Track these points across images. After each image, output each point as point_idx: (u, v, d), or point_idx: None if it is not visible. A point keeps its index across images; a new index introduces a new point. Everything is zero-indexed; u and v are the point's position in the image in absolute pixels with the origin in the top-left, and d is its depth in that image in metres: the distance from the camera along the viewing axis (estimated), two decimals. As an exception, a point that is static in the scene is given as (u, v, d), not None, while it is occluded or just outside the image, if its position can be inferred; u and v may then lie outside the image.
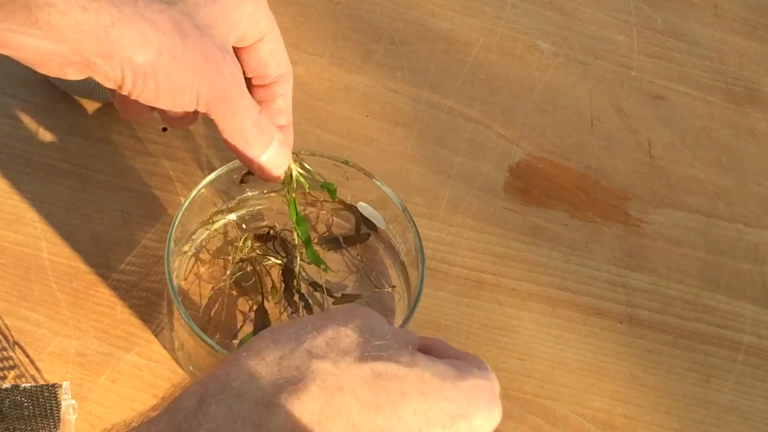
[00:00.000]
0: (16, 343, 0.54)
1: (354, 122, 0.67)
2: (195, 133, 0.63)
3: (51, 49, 0.42)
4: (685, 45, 0.75)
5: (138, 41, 0.43)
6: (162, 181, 0.61)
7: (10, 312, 0.55)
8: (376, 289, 0.57)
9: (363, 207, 0.58)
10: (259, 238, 0.57)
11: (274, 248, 0.57)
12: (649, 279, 0.63)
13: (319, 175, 0.55)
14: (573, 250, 0.64)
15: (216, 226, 0.57)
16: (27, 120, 0.62)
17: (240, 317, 0.55)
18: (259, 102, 0.51)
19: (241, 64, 0.49)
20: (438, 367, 0.41)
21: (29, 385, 0.51)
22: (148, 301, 0.57)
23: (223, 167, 0.55)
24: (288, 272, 0.56)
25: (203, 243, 0.57)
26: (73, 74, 0.44)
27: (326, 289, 0.56)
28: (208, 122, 0.64)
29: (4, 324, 0.55)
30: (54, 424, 0.48)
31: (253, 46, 0.49)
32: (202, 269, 0.57)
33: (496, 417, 0.42)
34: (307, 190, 0.55)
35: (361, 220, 0.58)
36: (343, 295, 0.56)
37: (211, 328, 0.55)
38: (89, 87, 0.61)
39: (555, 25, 0.75)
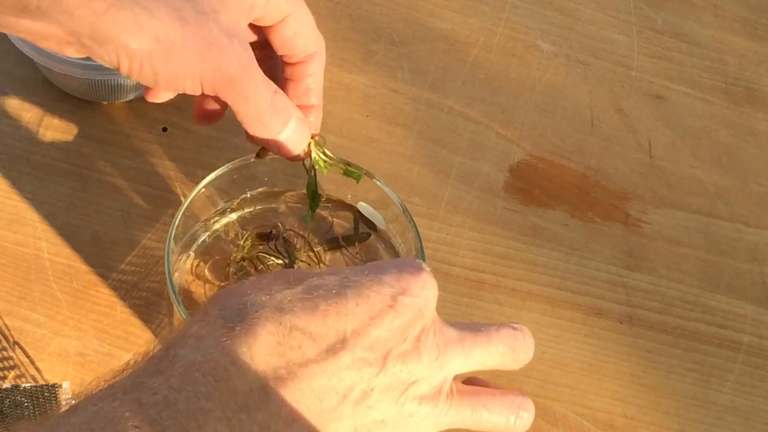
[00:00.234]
0: (16, 343, 0.54)
1: (354, 122, 0.67)
2: (195, 133, 0.63)
3: (45, 31, 0.42)
4: (685, 45, 0.75)
5: (133, 28, 0.42)
6: (162, 181, 0.61)
7: (10, 312, 0.55)
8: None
9: (363, 207, 0.58)
10: (261, 236, 0.57)
11: (276, 248, 0.57)
12: (649, 279, 0.63)
13: (344, 162, 0.54)
14: (573, 250, 0.64)
15: (216, 226, 0.57)
16: (27, 120, 0.62)
17: (240, 317, 0.55)
18: (287, 80, 0.50)
19: (270, 42, 0.49)
20: (357, 267, 0.44)
21: (29, 385, 0.51)
22: (148, 301, 0.57)
23: (223, 167, 0.55)
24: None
25: (203, 243, 0.57)
26: (72, 53, 0.44)
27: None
28: (208, 122, 0.64)
29: (4, 324, 0.55)
30: (54, 424, 0.48)
31: (276, 27, 0.48)
32: (202, 269, 0.57)
33: (429, 282, 0.44)
34: (325, 174, 0.54)
35: (360, 220, 0.58)
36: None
37: (211, 328, 0.54)
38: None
39: (555, 25, 0.75)
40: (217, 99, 0.49)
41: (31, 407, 0.49)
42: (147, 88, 0.49)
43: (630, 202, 0.67)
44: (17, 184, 0.60)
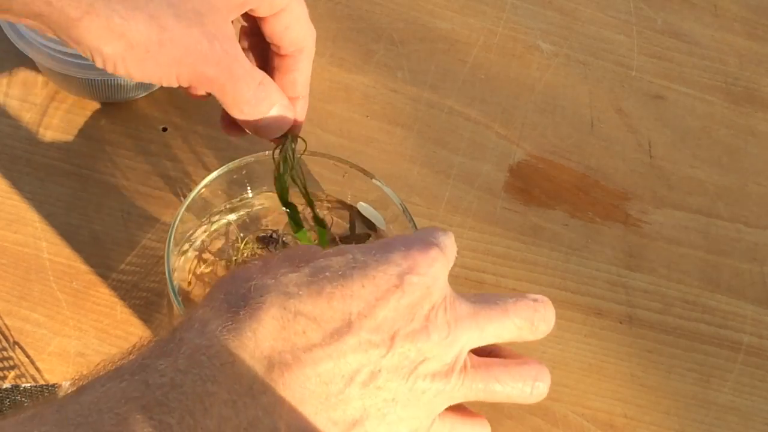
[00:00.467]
0: (16, 343, 0.54)
1: (354, 122, 0.67)
2: (195, 133, 0.63)
3: (26, 21, 0.43)
4: (685, 45, 0.75)
5: (106, 35, 0.42)
6: (162, 181, 0.61)
7: (10, 312, 0.55)
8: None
9: (363, 207, 0.58)
10: (260, 240, 0.57)
11: (276, 250, 0.57)
12: (649, 279, 0.63)
13: (303, 180, 0.54)
14: (573, 250, 0.64)
15: (216, 226, 0.57)
16: (27, 120, 0.62)
17: (240, 317, 0.55)
18: (275, 69, 0.50)
19: (261, 30, 0.49)
20: (365, 246, 0.43)
21: (29, 385, 0.51)
22: (148, 301, 0.57)
23: (223, 167, 0.55)
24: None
25: (203, 243, 0.57)
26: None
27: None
28: (208, 122, 0.64)
29: (4, 324, 0.55)
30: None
31: (269, 19, 0.48)
32: (202, 269, 0.57)
33: (438, 259, 0.43)
34: (277, 175, 0.54)
35: (356, 220, 0.58)
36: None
37: (211, 328, 0.54)
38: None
39: (555, 25, 0.75)
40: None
41: (31, 407, 0.49)
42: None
43: (630, 202, 0.67)
44: (17, 184, 0.60)
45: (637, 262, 0.64)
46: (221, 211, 0.57)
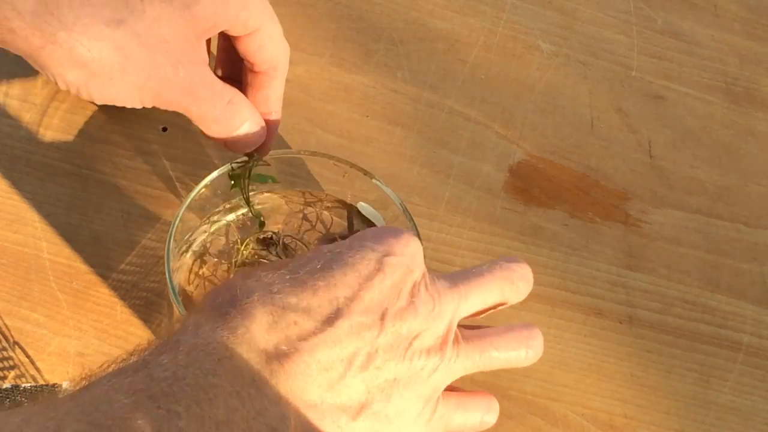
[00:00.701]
0: (16, 343, 0.54)
1: (354, 122, 0.67)
2: (195, 133, 0.63)
3: None
4: (685, 45, 0.75)
5: (68, 63, 0.43)
6: (162, 181, 0.61)
7: (10, 312, 0.55)
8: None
9: (363, 207, 0.58)
10: (261, 242, 0.57)
11: (277, 253, 0.57)
12: (649, 279, 0.63)
13: (251, 203, 0.55)
14: (573, 250, 0.64)
15: (216, 226, 0.57)
16: (27, 120, 0.62)
17: (240, 317, 0.55)
18: (248, 85, 0.50)
19: (235, 46, 0.49)
20: (337, 242, 0.46)
21: (29, 385, 0.51)
22: (148, 301, 0.57)
23: (223, 167, 0.55)
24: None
25: (203, 243, 0.57)
26: None
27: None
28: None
29: (4, 324, 0.55)
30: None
31: (242, 38, 0.48)
32: (202, 269, 0.57)
33: (411, 240, 0.46)
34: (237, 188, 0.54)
35: (353, 219, 0.58)
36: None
37: (211, 328, 0.54)
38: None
39: (555, 25, 0.75)
40: None
41: (31, 407, 0.49)
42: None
43: (630, 202, 0.67)
44: (17, 184, 0.60)
45: (637, 262, 0.64)
46: (221, 211, 0.57)
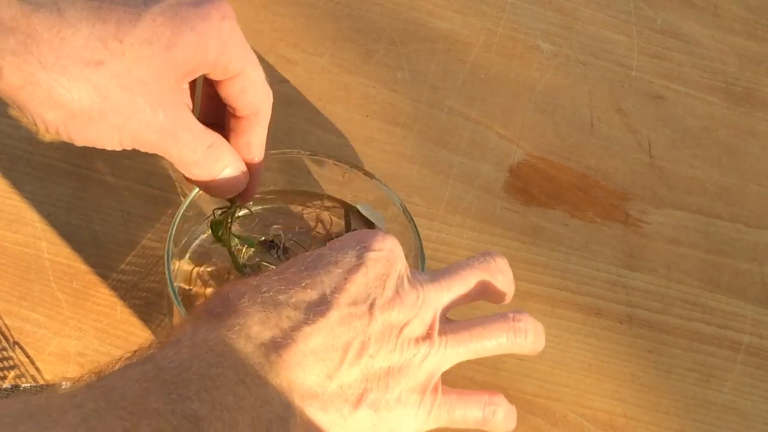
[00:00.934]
0: (16, 343, 0.54)
1: (354, 122, 0.67)
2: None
3: None
4: (685, 45, 0.75)
5: (47, 103, 0.43)
6: (162, 181, 0.61)
7: (10, 312, 0.55)
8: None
9: (363, 207, 0.58)
10: (262, 243, 0.57)
11: (278, 256, 0.57)
12: (649, 279, 0.63)
13: (233, 255, 0.54)
14: (573, 250, 0.64)
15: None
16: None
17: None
18: (230, 130, 0.50)
19: (217, 91, 0.49)
20: (317, 249, 0.48)
21: (29, 385, 0.51)
22: (148, 301, 0.57)
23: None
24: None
25: (203, 243, 0.57)
26: None
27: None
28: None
29: (4, 324, 0.55)
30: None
31: (223, 83, 0.48)
32: (202, 269, 0.57)
33: (388, 237, 0.47)
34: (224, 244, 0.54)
35: (356, 219, 0.58)
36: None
37: (211, 328, 0.54)
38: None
39: (555, 25, 0.75)
40: None
41: (31, 407, 0.49)
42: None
43: (630, 202, 0.67)
44: (17, 184, 0.60)
45: (637, 262, 0.64)
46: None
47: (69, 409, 0.37)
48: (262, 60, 0.68)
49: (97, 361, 0.54)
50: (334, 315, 0.44)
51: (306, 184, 0.59)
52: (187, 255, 0.56)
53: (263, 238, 0.57)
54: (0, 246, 0.57)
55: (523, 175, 0.66)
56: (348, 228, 0.58)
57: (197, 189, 0.54)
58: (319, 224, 0.59)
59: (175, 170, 0.61)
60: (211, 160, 0.48)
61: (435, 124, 0.68)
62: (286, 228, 0.58)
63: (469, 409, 0.49)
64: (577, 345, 0.60)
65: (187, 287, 0.56)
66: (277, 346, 0.42)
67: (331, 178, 0.57)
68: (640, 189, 0.67)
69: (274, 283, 0.45)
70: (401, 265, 0.47)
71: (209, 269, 0.57)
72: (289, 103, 0.67)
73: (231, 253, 0.54)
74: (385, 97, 0.68)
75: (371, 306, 0.45)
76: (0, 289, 0.56)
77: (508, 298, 0.52)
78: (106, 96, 0.43)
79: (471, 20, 0.74)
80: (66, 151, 0.61)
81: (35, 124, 0.44)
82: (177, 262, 0.55)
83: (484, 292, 0.50)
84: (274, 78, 0.67)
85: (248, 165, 0.51)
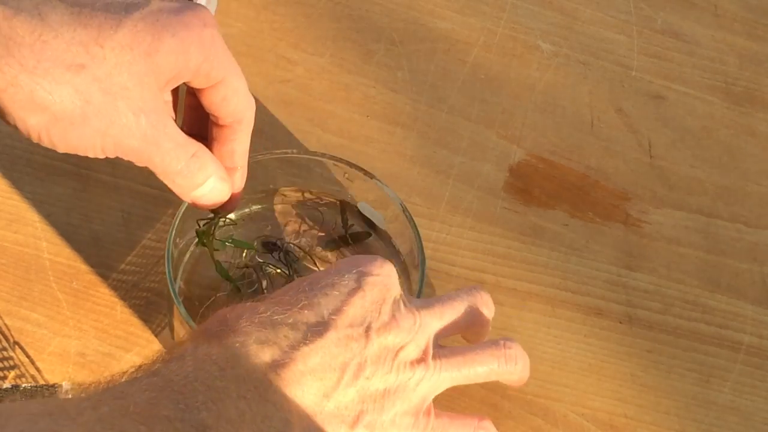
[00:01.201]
0: (16, 343, 0.54)
1: (354, 122, 0.67)
2: (195, 133, 0.63)
3: None
4: (685, 45, 0.75)
5: (30, 106, 0.43)
6: (162, 181, 0.61)
7: (10, 312, 0.55)
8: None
9: (363, 207, 0.58)
10: (264, 245, 0.57)
11: (279, 258, 0.57)
12: (649, 279, 0.63)
13: (218, 263, 0.54)
14: (573, 250, 0.64)
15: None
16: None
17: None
18: (213, 140, 0.50)
19: (200, 99, 0.49)
20: (314, 272, 0.49)
21: (29, 385, 0.51)
22: (148, 301, 0.57)
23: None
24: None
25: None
26: None
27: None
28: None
29: (4, 324, 0.55)
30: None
31: (205, 91, 0.48)
32: (202, 269, 0.57)
33: (385, 263, 0.48)
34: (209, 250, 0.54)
35: (355, 219, 0.58)
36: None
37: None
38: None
39: (555, 25, 0.75)
40: None
41: (31, 407, 0.49)
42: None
43: (630, 202, 0.67)
44: (17, 184, 0.60)
45: (637, 262, 0.64)
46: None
47: (85, 410, 0.37)
48: (262, 60, 0.68)
49: (97, 361, 0.54)
50: (332, 336, 0.45)
51: (306, 184, 0.59)
52: (188, 255, 0.56)
53: (266, 241, 0.57)
54: (0, 246, 0.57)
55: (523, 175, 0.66)
56: (345, 225, 0.58)
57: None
58: (319, 225, 0.59)
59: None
60: (194, 169, 0.48)
61: (435, 124, 0.68)
62: (285, 228, 0.58)
63: None
64: (577, 345, 0.60)
65: (187, 287, 0.56)
66: (275, 365, 0.43)
67: (331, 178, 0.57)
68: (640, 189, 0.67)
69: (271, 304, 0.45)
70: (396, 290, 0.48)
71: (210, 270, 0.57)
72: (289, 103, 0.67)
73: (216, 262, 0.54)
74: (385, 97, 0.68)
75: (368, 329, 0.46)
76: (0, 289, 0.56)
77: (486, 335, 0.53)
78: (88, 100, 0.43)
79: (471, 20, 0.74)
80: (66, 151, 0.61)
81: (18, 130, 0.44)
82: (177, 262, 0.55)
83: (472, 323, 0.51)
84: (274, 78, 0.67)
85: (231, 175, 0.51)
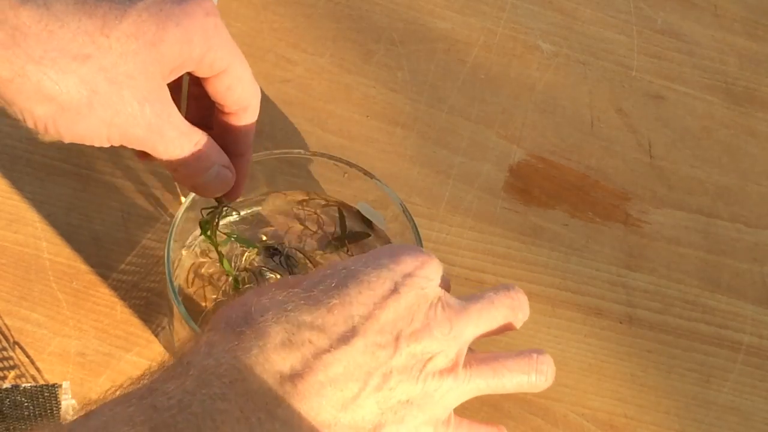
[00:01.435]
0: (16, 343, 0.54)
1: (354, 122, 0.67)
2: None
3: None
4: (685, 45, 0.75)
5: (37, 97, 0.42)
6: (162, 181, 0.61)
7: (10, 312, 0.55)
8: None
9: (363, 207, 0.58)
10: (266, 250, 0.57)
11: (280, 262, 0.56)
12: (649, 279, 0.63)
13: (221, 254, 0.54)
14: (573, 250, 0.64)
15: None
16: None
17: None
18: (218, 127, 0.50)
19: (205, 88, 0.49)
20: (354, 258, 0.46)
21: (29, 385, 0.51)
22: (148, 301, 0.57)
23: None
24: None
25: (204, 243, 0.57)
26: None
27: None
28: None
29: (4, 324, 0.55)
30: (54, 424, 0.48)
31: (210, 79, 0.48)
32: (203, 270, 0.57)
33: (427, 262, 0.45)
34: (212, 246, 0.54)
35: (355, 219, 0.58)
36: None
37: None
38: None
39: (555, 25, 0.75)
40: None
41: (31, 407, 0.49)
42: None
43: (630, 202, 0.67)
44: (17, 184, 0.60)
45: (637, 262, 0.64)
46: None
47: None
48: (262, 60, 0.68)
49: (97, 361, 0.54)
50: (359, 343, 0.42)
51: (306, 184, 0.59)
52: (188, 255, 0.56)
53: (264, 238, 0.57)
54: (0, 246, 0.57)
55: (523, 175, 0.66)
56: (342, 229, 0.58)
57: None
58: (319, 225, 0.59)
59: (175, 170, 0.61)
60: (198, 157, 0.48)
61: (435, 124, 0.68)
62: (285, 229, 0.58)
63: None
64: (577, 345, 0.60)
65: (187, 287, 0.56)
66: (294, 375, 0.40)
67: (331, 178, 0.57)
68: (640, 189, 0.67)
69: (300, 301, 0.43)
70: (434, 294, 0.45)
71: (210, 269, 0.57)
72: (289, 103, 0.67)
73: (219, 252, 0.54)
74: (385, 97, 0.68)
75: (398, 336, 0.43)
76: (0, 289, 0.56)
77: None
78: (94, 89, 0.43)
79: (471, 20, 0.74)
80: (66, 151, 0.61)
81: (24, 121, 0.44)
82: (177, 262, 0.55)
83: (505, 327, 0.49)
84: (274, 78, 0.67)
85: (236, 163, 0.51)
